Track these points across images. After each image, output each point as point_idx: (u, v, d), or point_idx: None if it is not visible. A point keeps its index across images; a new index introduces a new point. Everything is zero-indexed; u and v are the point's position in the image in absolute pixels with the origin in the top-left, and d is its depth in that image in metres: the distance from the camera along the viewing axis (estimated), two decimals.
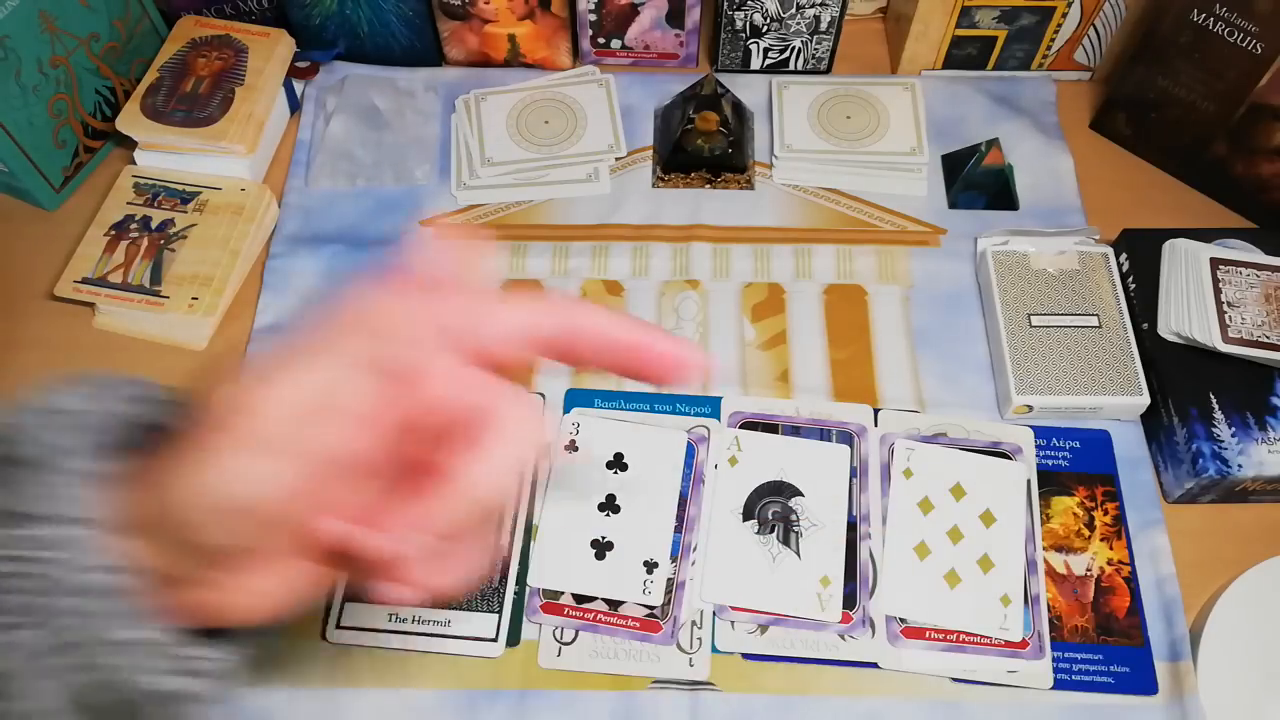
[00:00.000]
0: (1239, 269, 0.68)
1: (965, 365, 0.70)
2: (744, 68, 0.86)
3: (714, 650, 0.60)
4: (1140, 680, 0.59)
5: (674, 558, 0.62)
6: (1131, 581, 0.62)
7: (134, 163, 0.77)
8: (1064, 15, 0.79)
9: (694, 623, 0.61)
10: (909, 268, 0.75)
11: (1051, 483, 0.65)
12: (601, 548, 0.62)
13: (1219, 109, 0.73)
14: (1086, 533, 0.64)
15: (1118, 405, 0.66)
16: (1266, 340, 0.65)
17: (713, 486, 0.65)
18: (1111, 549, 0.63)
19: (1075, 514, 0.64)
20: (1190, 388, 0.65)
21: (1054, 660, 0.59)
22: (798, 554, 0.62)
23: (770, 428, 0.67)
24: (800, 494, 0.64)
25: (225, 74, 0.77)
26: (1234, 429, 0.63)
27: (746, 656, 0.60)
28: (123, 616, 0.31)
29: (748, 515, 0.63)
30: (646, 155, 0.81)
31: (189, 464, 0.31)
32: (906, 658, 0.60)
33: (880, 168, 0.79)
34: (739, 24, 0.82)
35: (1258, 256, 0.69)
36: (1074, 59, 0.84)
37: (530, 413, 0.31)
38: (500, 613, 0.61)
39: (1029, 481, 0.65)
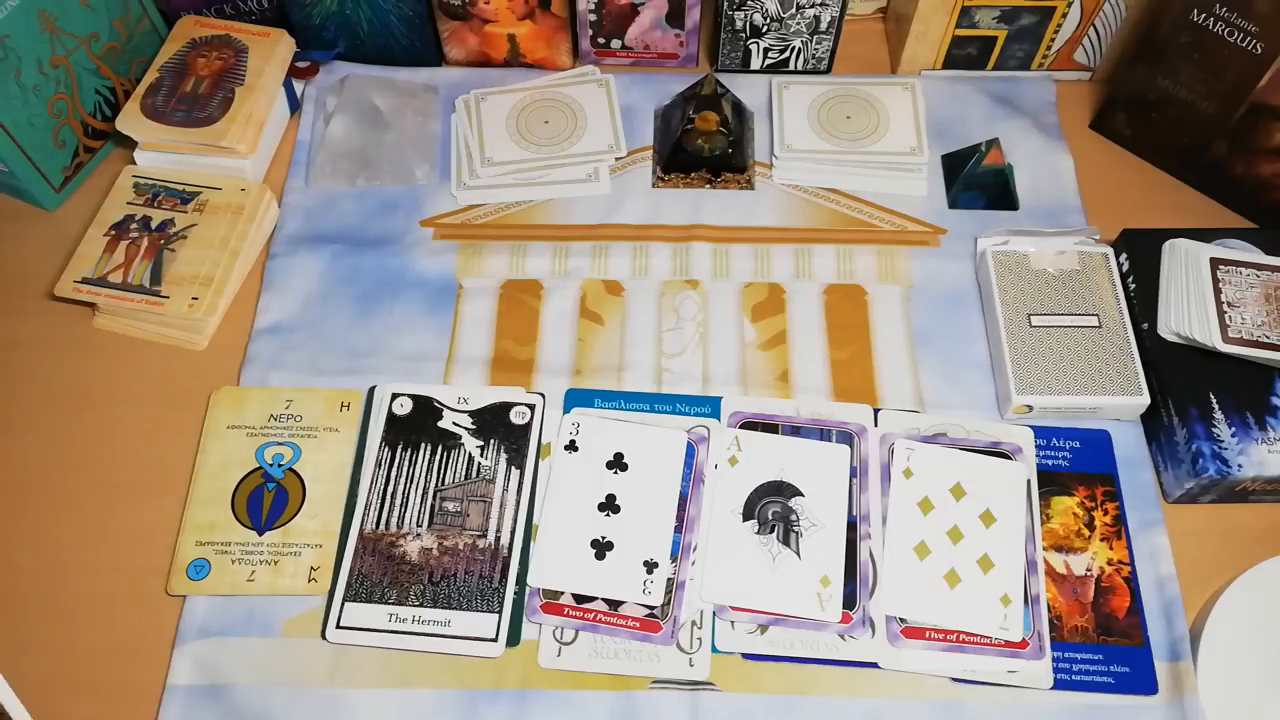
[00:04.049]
0: (1239, 269, 0.68)
1: (965, 365, 0.70)
2: (744, 68, 0.86)
3: (714, 650, 0.60)
4: (1140, 680, 0.59)
5: (674, 558, 0.62)
6: (1131, 581, 0.62)
7: (134, 163, 0.77)
8: (1064, 15, 0.79)
9: (694, 623, 0.61)
10: (909, 268, 0.75)
11: (1051, 483, 0.65)
12: (601, 548, 0.62)
13: (1219, 109, 0.73)
14: (1086, 533, 0.64)
15: (1118, 405, 0.66)
16: (1266, 340, 0.65)
17: (713, 486, 0.64)
18: (1111, 549, 0.63)
19: (1075, 514, 0.64)
20: (1190, 388, 0.65)
21: (1054, 660, 0.59)
22: (798, 554, 0.62)
23: (770, 428, 0.67)
24: (800, 494, 0.64)
25: (225, 74, 0.77)
26: (1234, 429, 0.63)
27: (746, 656, 0.60)
28: None
29: (748, 515, 0.63)
30: (646, 155, 0.81)
31: None
32: (906, 658, 0.60)
33: (880, 168, 0.79)
34: (739, 24, 0.82)
35: (1258, 256, 0.69)
36: (1074, 59, 0.84)
37: None
38: (500, 613, 0.61)
39: (1029, 481, 0.65)
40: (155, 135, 0.75)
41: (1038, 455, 0.66)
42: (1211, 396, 0.64)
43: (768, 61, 0.85)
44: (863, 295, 0.74)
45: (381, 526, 0.63)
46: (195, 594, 0.61)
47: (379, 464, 0.65)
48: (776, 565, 0.62)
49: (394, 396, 0.68)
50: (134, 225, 0.73)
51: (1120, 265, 0.72)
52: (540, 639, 0.60)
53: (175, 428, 0.67)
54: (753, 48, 0.84)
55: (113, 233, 0.73)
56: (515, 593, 0.61)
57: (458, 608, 0.61)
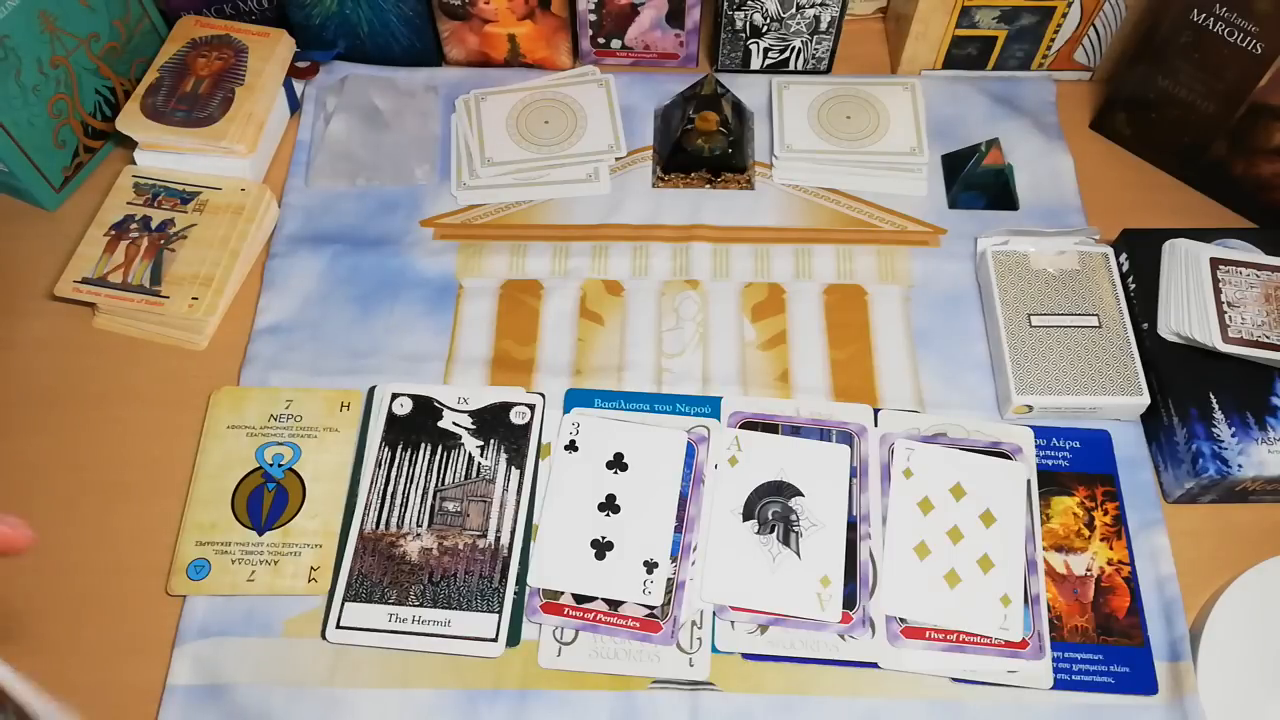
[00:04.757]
0: (1239, 269, 0.68)
1: (965, 365, 0.70)
2: (744, 68, 0.86)
3: (714, 650, 0.60)
4: (1140, 680, 0.59)
5: (674, 558, 0.62)
6: (1131, 581, 0.62)
7: (134, 163, 0.77)
8: (1064, 15, 0.79)
9: (694, 623, 0.61)
10: (909, 268, 0.75)
11: (1051, 483, 0.65)
12: (601, 548, 0.62)
13: (1219, 109, 0.73)
14: (1086, 533, 0.64)
15: (1118, 405, 0.66)
16: (1266, 340, 0.65)
17: (713, 486, 0.64)
18: (1111, 549, 0.63)
19: (1075, 514, 0.64)
20: (1190, 388, 0.65)
21: (1054, 660, 0.59)
22: (798, 554, 0.62)
23: (770, 428, 0.67)
24: (800, 494, 0.64)
25: (225, 74, 0.77)
26: (1234, 429, 0.63)
27: (746, 656, 0.60)
28: None
29: (748, 515, 0.63)
30: (646, 155, 0.81)
31: None
32: (906, 658, 0.60)
33: (880, 168, 0.79)
34: (739, 24, 0.82)
35: (1258, 256, 0.69)
36: (1074, 59, 0.84)
37: None
38: (500, 613, 0.61)
39: (1029, 481, 0.65)
40: (155, 135, 0.75)
41: (1038, 455, 0.66)
42: (1211, 396, 0.64)
43: (768, 61, 0.85)
44: (863, 295, 0.74)
45: (381, 526, 0.63)
46: (195, 594, 0.61)
47: (379, 464, 0.65)
48: (776, 565, 0.62)
49: (394, 396, 0.68)
50: (134, 225, 0.73)
51: (1120, 265, 0.72)
52: (540, 639, 0.60)
53: (175, 428, 0.67)
54: (753, 48, 0.84)
55: (113, 233, 0.73)
56: (515, 593, 0.61)
57: (458, 608, 0.61)
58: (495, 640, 0.60)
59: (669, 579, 0.62)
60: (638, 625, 0.60)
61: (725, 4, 0.80)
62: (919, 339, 0.71)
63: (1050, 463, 0.66)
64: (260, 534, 0.63)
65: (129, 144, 0.77)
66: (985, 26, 0.81)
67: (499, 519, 0.64)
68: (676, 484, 0.65)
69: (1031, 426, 0.67)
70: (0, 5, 0.69)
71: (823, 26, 0.81)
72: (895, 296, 0.74)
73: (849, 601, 0.61)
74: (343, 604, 0.61)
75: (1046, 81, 0.85)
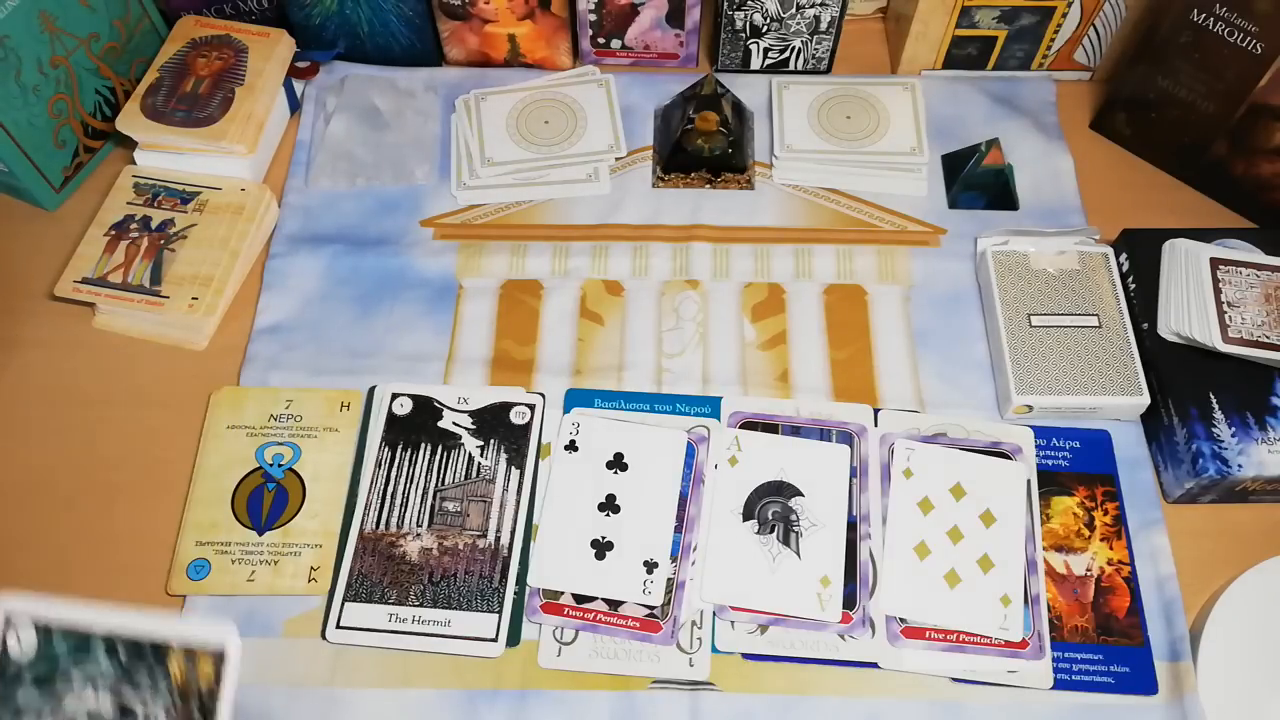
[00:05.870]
0: (1239, 269, 0.68)
1: (965, 365, 0.70)
2: (744, 68, 0.86)
3: (714, 650, 0.60)
4: (1140, 680, 0.59)
5: (674, 558, 0.62)
6: (1131, 581, 0.62)
7: (134, 163, 0.77)
8: (1064, 15, 0.80)
9: (694, 623, 0.61)
10: (909, 268, 0.75)
11: (1051, 483, 0.65)
12: (601, 548, 0.62)
13: (1219, 109, 0.73)
14: (1086, 533, 0.64)
15: (1118, 405, 0.66)
16: (1266, 340, 0.65)
17: (713, 486, 0.64)
18: (1111, 549, 0.63)
19: (1075, 514, 0.64)
20: (1190, 388, 0.65)
21: (1054, 660, 0.59)
22: (798, 554, 0.62)
23: (770, 428, 0.67)
24: (800, 494, 0.64)
25: (225, 74, 0.77)
26: (1234, 429, 0.63)
27: (746, 656, 0.60)
28: None
29: (748, 515, 0.63)
30: (646, 155, 0.81)
31: None
32: (906, 658, 0.60)
33: (880, 168, 0.79)
34: (739, 24, 0.82)
35: (1258, 256, 0.69)
36: (1074, 59, 0.84)
37: None
38: (500, 613, 0.61)
39: (1029, 481, 0.65)
40: (155, 135, 0.75)
41: (1038, 455, 0.66)
42: (1211, 396, 0.64)
43: (768, 61, 0.85)
44: (863, 295, 0.74)
45: (381, 526, 0.63)
46: (195, 594, 0.61)
47: (379, 464, 0.65)
48: (776, 565, 0.62)
49: (394, 396, 0.68)
50: (134, 225, 0.73)
51: (1120, 265, 0.72)
52: (540, 639, 0.60)
53: (175, 428, 0.67)
54: (753, 48, 0.84)
55: (113, 233, 0.73)
56: (515, 593, 0.61)
57: (458, 608, 0.61)
58: (495, 640, 0.60)
59: (669, 579, 0.62)
60: (638, 625, 0.60)
61: (725, 4, 0.80)
62: (919, 339, 0.71)
63: (1050, 463, 0.66)
64: (260, 534, 0.63)
65: (129, 144, 0.77)
66: (985, 26, 0.81)
67: (499, 519, 0.64)
68: (676, 484, 0.65)
69: (1031, 426, 0.67)
70: (0, 5, 0.69)
71: (823, 26, 0.81)
72: (895, 296, 0.74)
73: (849, 601, 0.61)
74: (343, 604, 0.61)
75: (1046, 81, 0.85)
